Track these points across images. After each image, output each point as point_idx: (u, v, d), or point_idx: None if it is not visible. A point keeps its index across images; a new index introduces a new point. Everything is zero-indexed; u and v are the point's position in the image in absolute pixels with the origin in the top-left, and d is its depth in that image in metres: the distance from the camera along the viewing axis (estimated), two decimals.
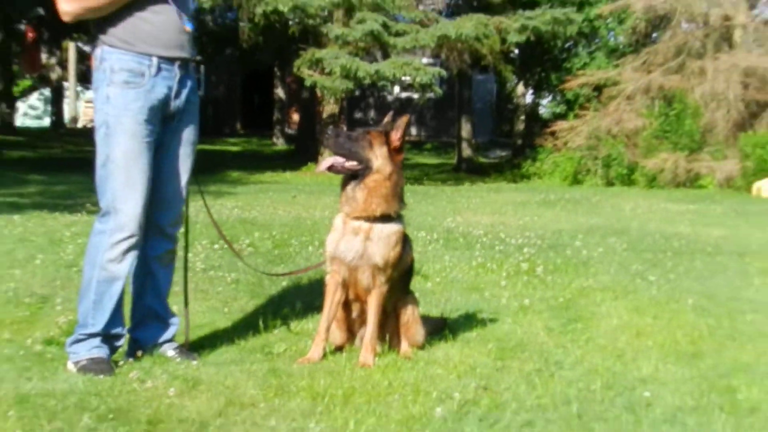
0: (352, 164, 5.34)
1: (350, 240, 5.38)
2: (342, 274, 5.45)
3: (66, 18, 5.01)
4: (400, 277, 5.60)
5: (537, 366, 5.34)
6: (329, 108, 23.84)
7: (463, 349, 5.66)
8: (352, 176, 5.39)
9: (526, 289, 7.76)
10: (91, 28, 5.14)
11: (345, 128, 34.96)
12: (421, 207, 14.12)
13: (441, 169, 29.27)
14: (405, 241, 5.56)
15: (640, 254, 9.72)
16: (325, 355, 5.44)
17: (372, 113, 41.70)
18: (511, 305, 7.05)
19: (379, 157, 5.32)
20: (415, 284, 6.11)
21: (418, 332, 5.69)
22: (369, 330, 5.43)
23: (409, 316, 5.67)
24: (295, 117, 38.96)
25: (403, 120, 5.38)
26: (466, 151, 30.39)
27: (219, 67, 41.49)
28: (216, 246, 9.09)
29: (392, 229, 5.41)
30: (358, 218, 5.38)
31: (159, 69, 5.09)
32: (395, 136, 5.35)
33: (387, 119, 5.51)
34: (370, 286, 5.42)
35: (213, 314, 6.58)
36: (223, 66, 41.31)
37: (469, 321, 6.47)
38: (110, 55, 5.04)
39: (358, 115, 41.02)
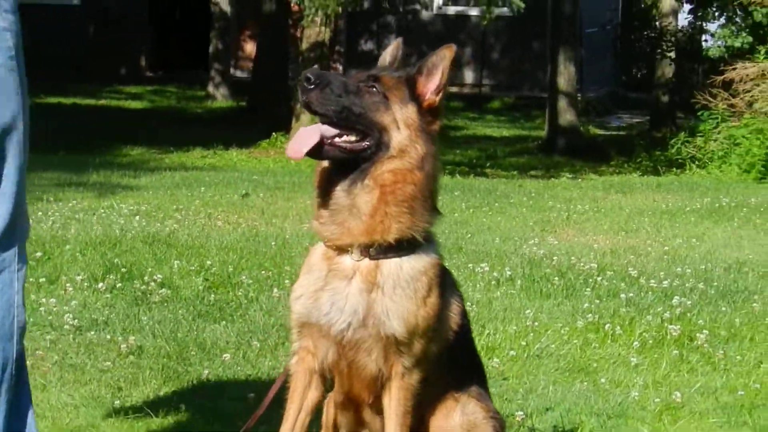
0: (350, 140, 2.24)
1: (339, 290, 2.31)
2: (322, 356, 2.39)
3: None
4: (442, 353, 2.44)
5: None
6: (313, 33, 12.56)
7: None
8: (340, 164, 2.27)
9: (678, 372, 4.49)
10: None
11: (341, 69, 20.51)
12: (481, 218, 8.38)
13: (520, 148, 16.30)
14: (445, 282, 2.40)
15: None
16: None
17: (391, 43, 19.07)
18: (649, 402, 4.03)
19: (402, 126, 2.25)
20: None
21: None
22: None
23: None
24: (250, 48, 20.09)
25: (443, 54, 2.26)
26: (566, 116, 15.36)
27: None
28: (101, 285, 5.05)
29: (421, 263, 2.33)
30: (351, 248, 2.30)
31: None
32: (430, 85, 2.25)
33: (390, 49, 2.37)
34: (382, 375, 2.35)
35: (93, 409, 3.63)
36: None
37: (573, 429, 3.73)
38: None
39: (366, 46, 20.95)
